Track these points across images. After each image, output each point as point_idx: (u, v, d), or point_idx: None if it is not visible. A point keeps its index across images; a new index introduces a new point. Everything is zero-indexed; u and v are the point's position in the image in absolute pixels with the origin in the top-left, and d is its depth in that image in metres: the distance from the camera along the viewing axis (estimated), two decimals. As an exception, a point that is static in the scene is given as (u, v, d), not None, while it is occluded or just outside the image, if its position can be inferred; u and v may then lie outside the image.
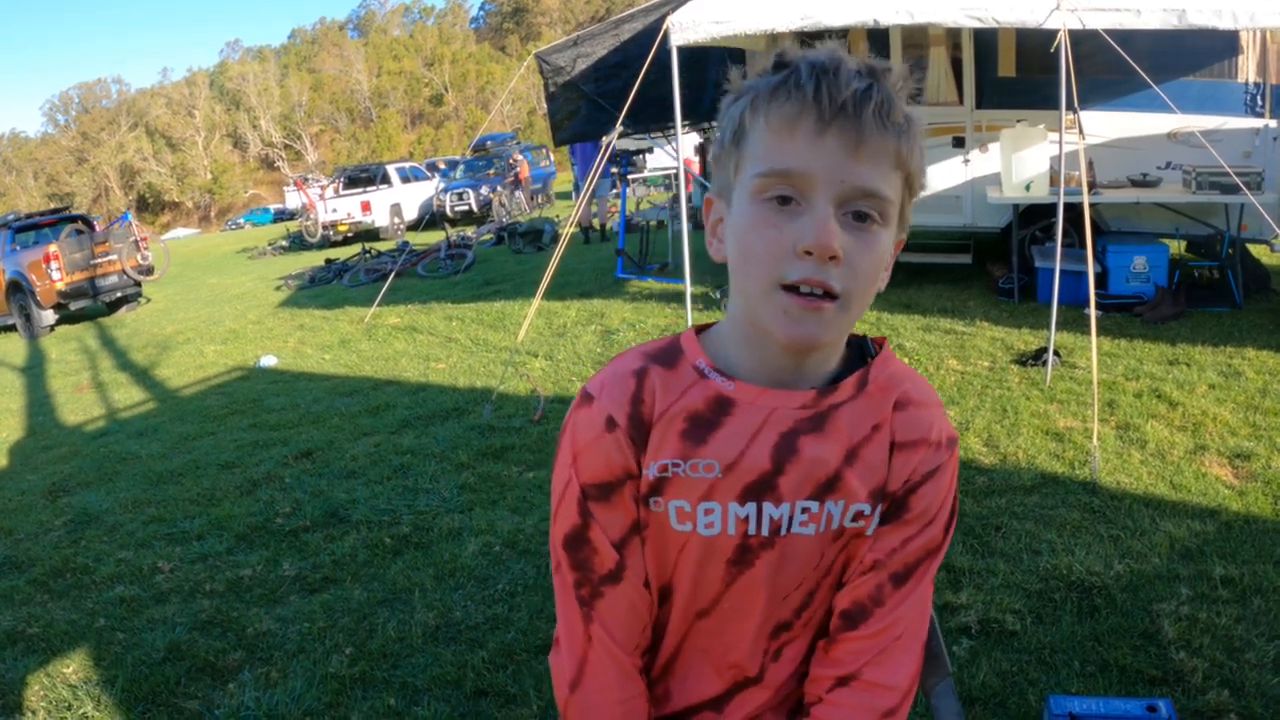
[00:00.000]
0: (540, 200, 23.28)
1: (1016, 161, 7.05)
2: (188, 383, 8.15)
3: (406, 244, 13.44)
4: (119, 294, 13.84)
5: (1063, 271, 5.39)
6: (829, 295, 0.95)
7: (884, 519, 1.09)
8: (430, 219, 20.54)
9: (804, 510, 1.06)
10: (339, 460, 5.22)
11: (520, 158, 23.99)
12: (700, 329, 1.13)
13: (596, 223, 14.45)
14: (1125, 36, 5.11)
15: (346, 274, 13.52)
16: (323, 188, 22.74)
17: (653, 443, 1.06)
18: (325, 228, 20.89)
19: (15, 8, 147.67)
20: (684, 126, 6.37)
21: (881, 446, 1.07)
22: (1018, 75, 7.62)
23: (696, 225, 11.10)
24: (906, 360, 5.80)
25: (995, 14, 5.18)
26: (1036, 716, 2.39)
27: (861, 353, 1.12)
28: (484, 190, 21.69)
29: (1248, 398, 4.80)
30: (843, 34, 7.38)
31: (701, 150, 10.56)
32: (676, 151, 7.49)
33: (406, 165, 24.87)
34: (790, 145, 0.93)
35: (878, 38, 7.82)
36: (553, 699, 2.58)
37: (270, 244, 23.35)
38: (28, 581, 4.08)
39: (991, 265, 8.08)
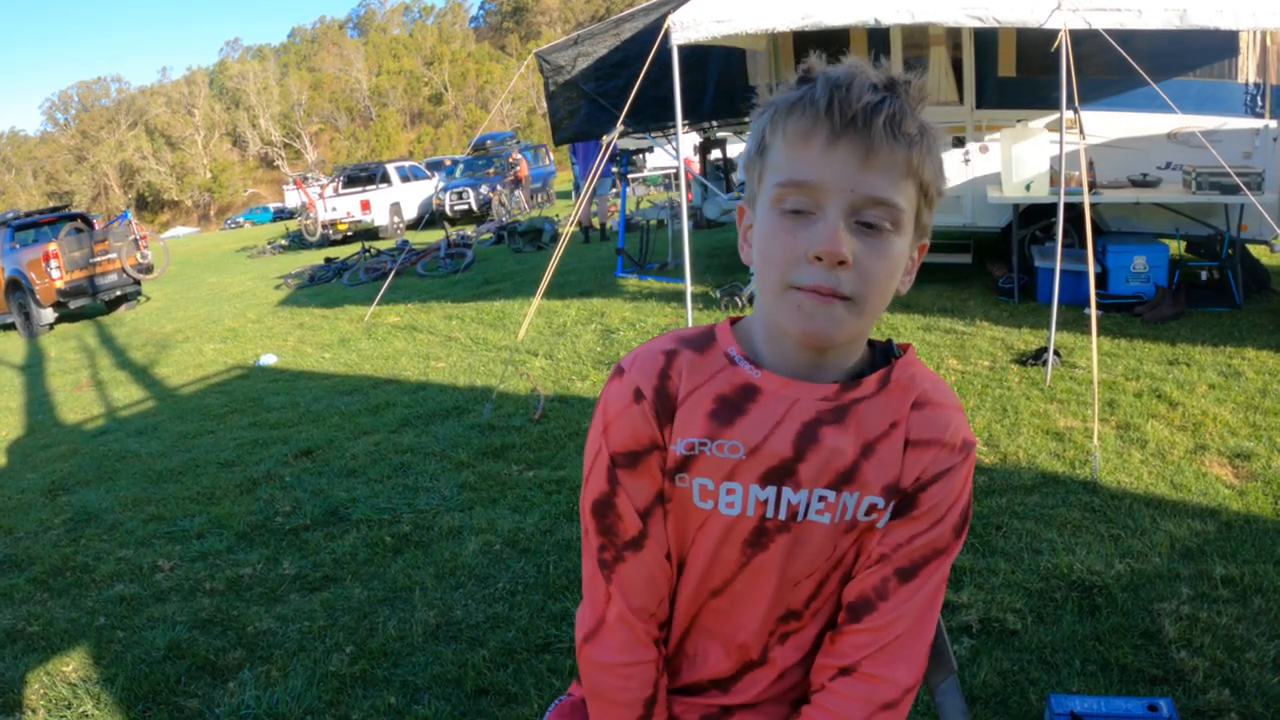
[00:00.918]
0: (540, 199, 23.27)
1: (1016, 161, 7.05)
2: (187, 381, 8.15)
3: (406, 243, 13.44)
4: (118, 292, 13.83)
5: (1063, 271, 5.39)
6: (838, 296, 1.01)
7: (894, 514, 1.12)
8: (430, 218, 20.55)
9: (821, 499, 1.10)
10: (339, 459, 5.21)
11: (520, 156, 23.98)
12: (735, 320, 1.19)
13: (596, 222, 14.45)
14: (1125, 36, 5.11)
15: (346, 273, 13.52)
16: (322, 187, 22.73)
17: (680, 420, 1.11)
18: (325, 227, 20.89)
19: (15, 6, 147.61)
20: (684, 126, 6.36)
21: (897, 443, 1.11)
22: (1018, 75, 7.62)
23: (696, 225, 11.12)
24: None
25: (996, 14, 5.18)
26: (1038, 715, 2.39)
27: (886, 355, 1.16)
28: (484, 189, 21.69)
29: (1248, 398, 4.80)
30: (843, 33, 7.40)
31: (702, 150, 10.55)
32: (676, 151, 7.49)
33: (406, 164, 24.86)
34: (804, 157, 1.00)
35: (878, 37, 7.82)
36: (553, 697, 2.60)
37: (270, 243, 23.35)
38: (27, 580, 4.08)
39: (991, 265, 8.08)
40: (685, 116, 6.69)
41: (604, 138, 7.42)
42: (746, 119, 10.14)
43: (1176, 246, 7.51)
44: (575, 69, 8.57)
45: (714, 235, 12.08)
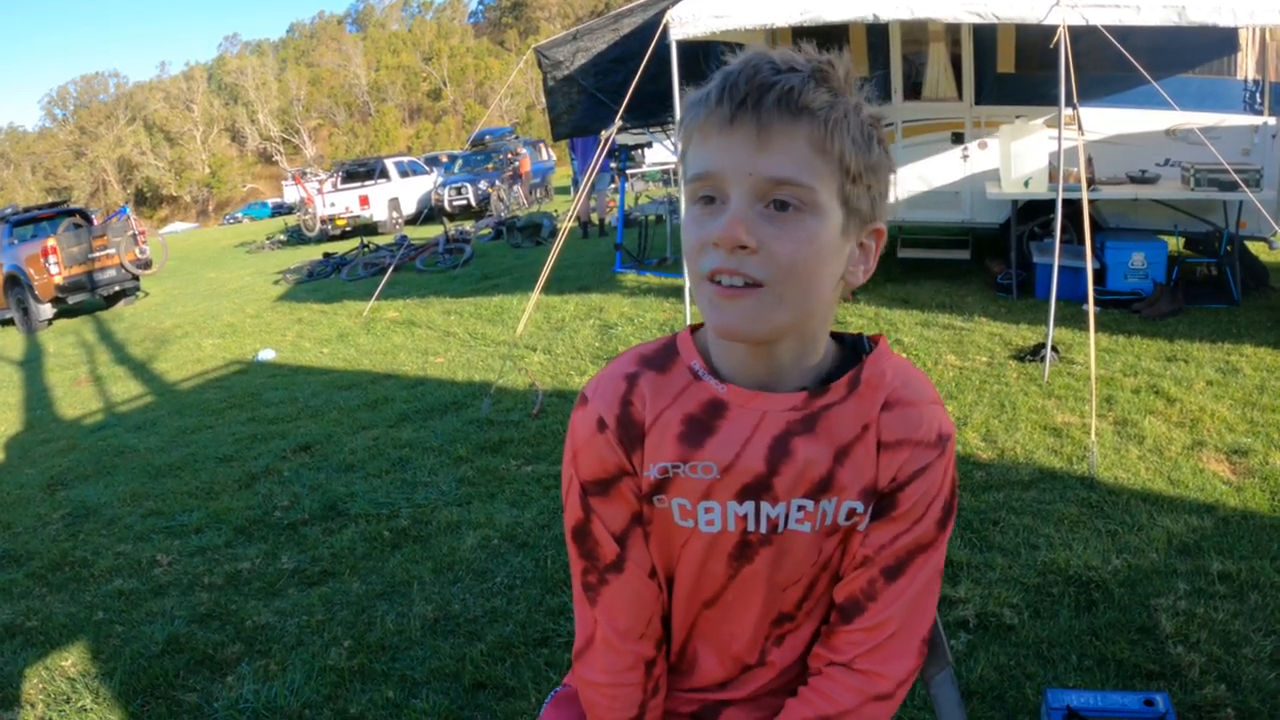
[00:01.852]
0: (539, 195, 23.26)
1: (1015, 157, 7.05)
2: (186, 376, 8.15)
3: (405, 238, 13.42)
4: (117, 288, 13.82)
5: (1061, 267, 5.39)
6: (751, 284, 0.98)
7: (874, 515, 1.12)
8: (429, 213, 20.55)
9: (800, 508, 1.10)
10: (337, 454, 5.21)
11: (522, 151, 23.97)
12: (696, 327, 1.17)
13: (595, 217, 14.44)
14: (1124, 33, 5.11)
15: (345, 268, 13.51)
16: (320, 182, 22.71)
17: (650, 444, 1.10)
18: (323, 222, 20.88)
19: (14, 1, 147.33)
20: (676, 121, 6.35)
21: (870, 445, 1.10)
22: (1017, 71, 7.61)
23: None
24: (905, 355, 5.81)
25: (995, 10, 5.17)
26: (1034, 710, 2.40)
27: (856, 351, 1.14)
28: (482, 185, 21.67)
29: (1245, 394, 4.80)
30: (842, 29, 7.39)
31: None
32: (675, 146, 7.48)
33: (405, 160, 24.84)
34: (704, 148, 0.99)
35: (877, 33, 7.82)
36: (550, 692, 2.60)
37: (268, 238, 23.33)
38: (26, 575, 4.08)
39: (990, 261, 8.08)
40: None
41: (603, 133, 7.42)
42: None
43: (1175, 243, 7.51)
44: (574, 64, 8.55)
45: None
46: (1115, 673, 2.57)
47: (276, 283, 13.98)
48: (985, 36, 7.49)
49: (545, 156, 26.97)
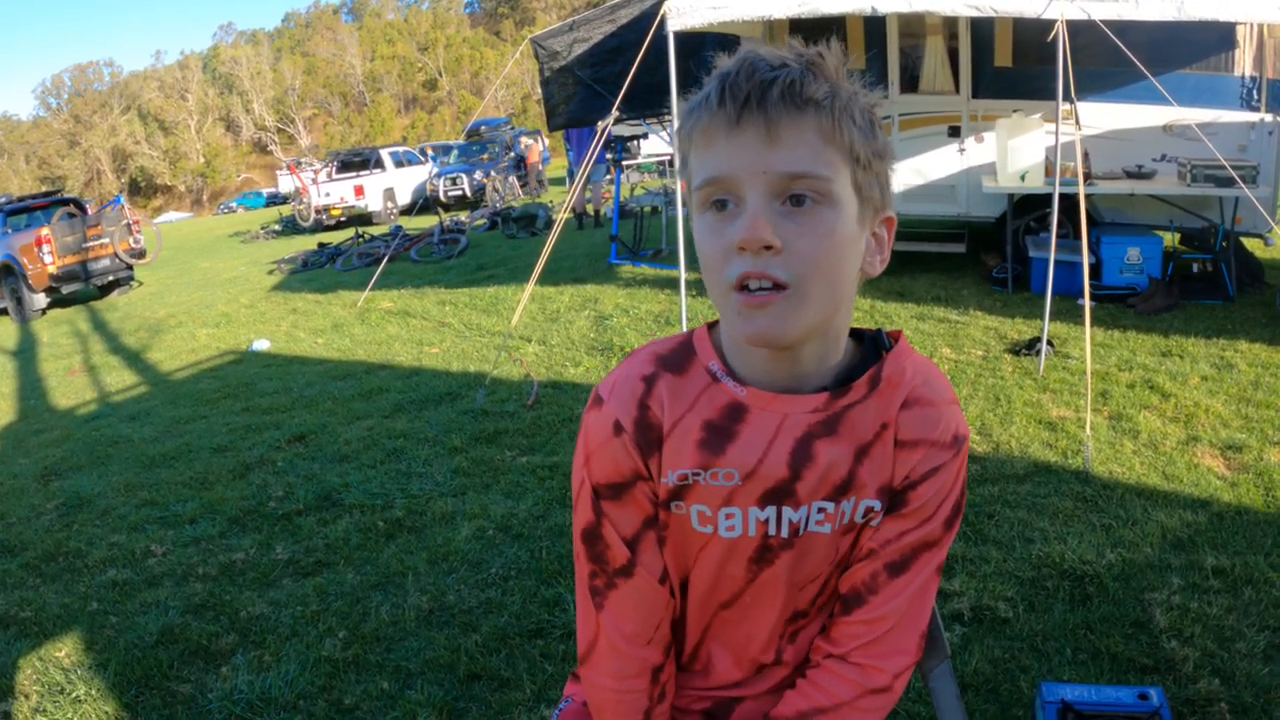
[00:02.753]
0: (533, 185, 23.24)
1: (1012, 151, 7.05)
2: (180, 366, 8.13)
3: (400, 228, 13.38)
4: (111, 277, 13.78)
5: (1057, 262, 5.40)
6: (777, 286, 0.96)
7: (886, 511, 1.11)
8: (424, 204, 20.53)
9: (820, 510, 1.09)
10: (332, 444, 5.20)
11: (529, 141, 23.93)
12: (712, 325, 1.14)
13: (591, 209, 14.42)
14: (1122, 28, 5.10)
15: (339, 258, 13.48)
16: (315, 172, 22.65)
17: (669, 451, 1.08)
18: (318, 212, 20.81)
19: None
20: (673, 112, 6.34)
21: (888, 444, 1.09)
22: (1014, 65, 7.61)
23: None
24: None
25: (994, 3, 5.16)
26: (1028, 703, 2.40)
27: (876, 347, 1.12)
28: (478, 175, 21.64)
29: (1240, 390, 4.81)
30: (839, 21, 7.38)
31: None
32: (671, 137, 7.46)
33: (400, 150, 24.77)
34: (711, 153, 0.97)
35: (874, 25, 7.81)
36: (546, 682, 2.60)
37: (263, 228, 23.27)
38: (20, 565, 4.07)
39: (985, 255, 8.09)
40: (680, 104, 6.67)
41: (599, 124, 7.40)
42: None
43: (1170, 238, 7.52)
44: (571, 55, 8.53)
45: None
46: (1109, 666, 2.57)
47: (271, 273, 13.94)
48: (983, 30, 7.48)
49: (540, 147, 26.94)
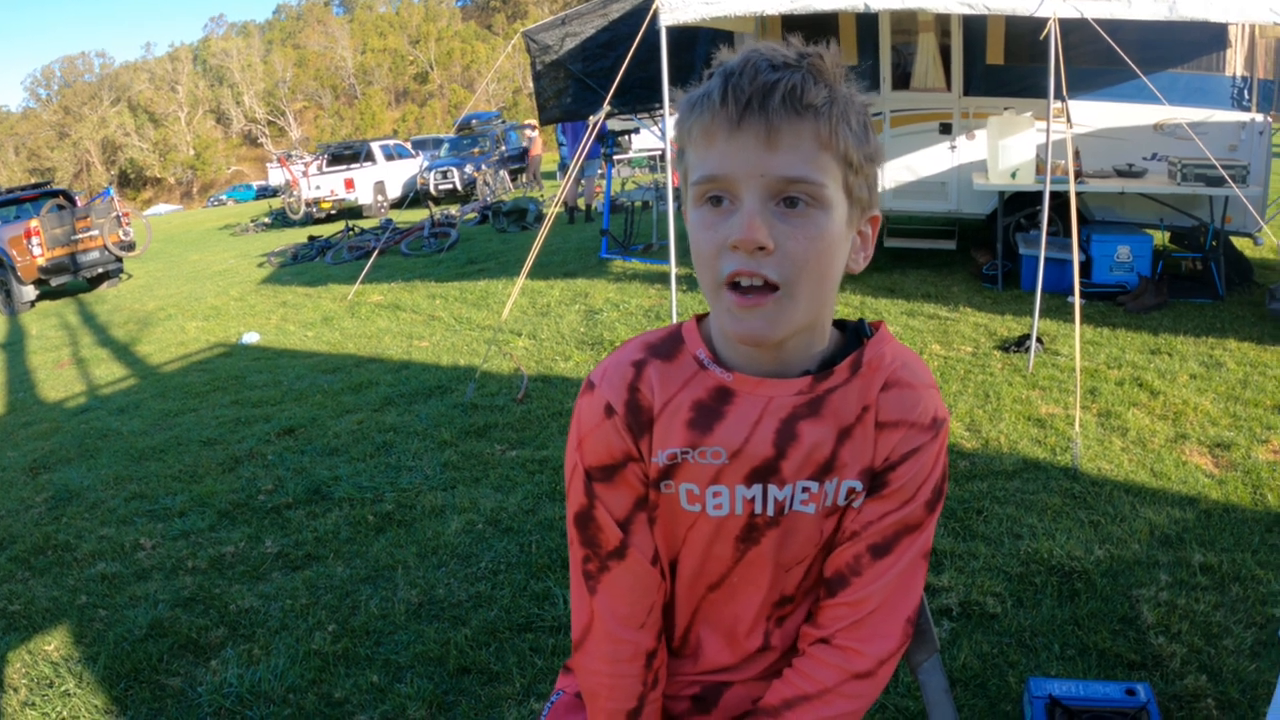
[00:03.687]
0: (525, 179, 23.22)
1: (1003, 149, 7.06)
2: (169, 359, 8.10)
3: (390, 222, 13.35)
4: (100, 270, 13.70)
5: (1047, 259, 5.42)
6: (769, 286, 0.99)
7: (868, 493, 1.13)
8: (414, 197, 20.47)
9: (804, 490, 1.12)
10: (321, 437, 5.20)
11: (532, 134, 23.90)
12: (701, 317, 1.17)
13: (582, 203, 14.41)
14: (1114, 27, 5.12)
15: (329, 251, 13.45)
16: (305, 164, 22.58)
17: (659, 431, 1.11)
18: (308, 205, 20.77)
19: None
20: (671, 108, 6.35)
21: (869, 426, 1.11)
22: (1006, 63, 7.62)
23: (681, 206, 11.11)
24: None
25: (988, 3, 5.17)
26: (1016, 698, 2.41)
27: (857, 335, 1.15)
28: (468, 169, 21.61)
29: (1228, 388, 4.84)
30: (832, 18, 7.38)
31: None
32: (663, 132, 7.47)
33: (391, 143, 24.71)
34: (711, 151, 0.99)
35: (866, 22, 7.82)
36: (536, 675, 2.61)
37: (253, 220, 23.18)
38: (8, 559, 4.06)
39: (976, 251, 8.11)
40: (672, 98, 6.67)
41: (591, 118, 7.40)
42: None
43: (1160, 237, 7.56)
44: (563, 49, 8.54)
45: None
46: (1097, 662, 2.59)
47: (261, 265, 13.91)
48: (975, 28, 7.50)
49: (541, 140, 26.92)
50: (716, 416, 1.11)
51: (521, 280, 6.27)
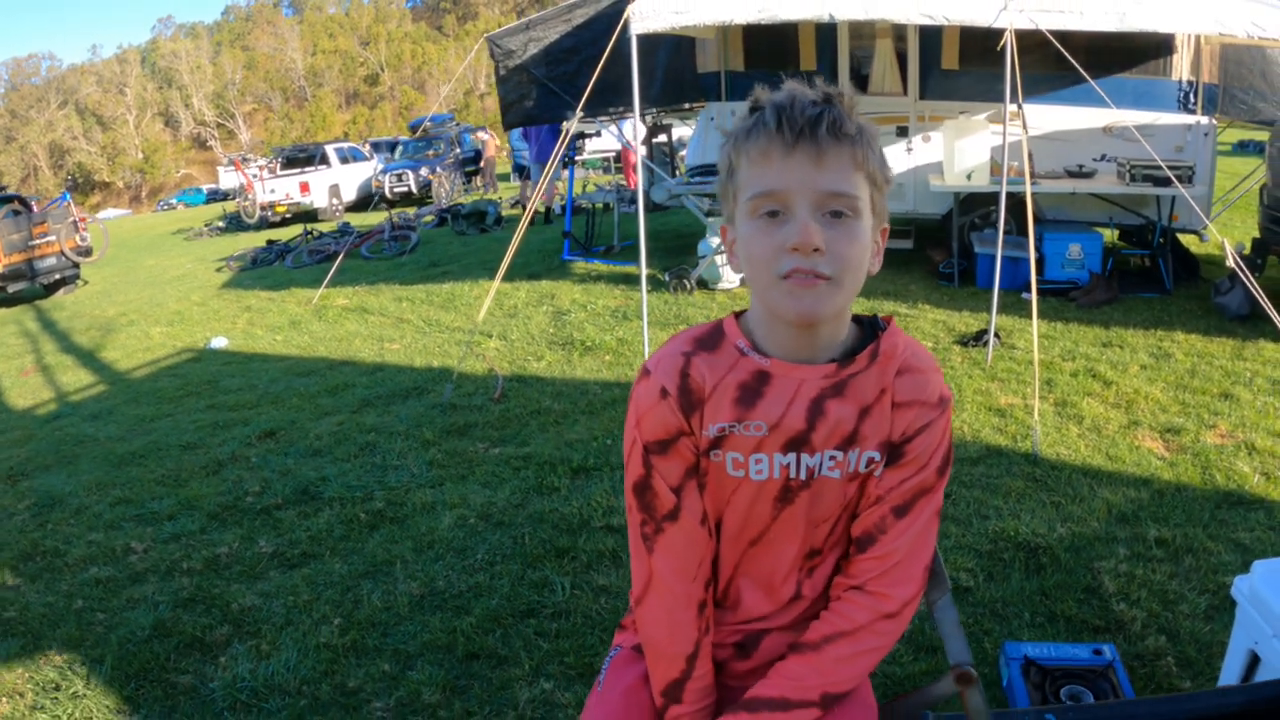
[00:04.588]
0: (481, 182, 23.25)
1: (958, 151, 7.30)
2: (137, 365, 8.09)
3: (348, 225, 13.34)
4: (57, 276, 13.54)
5: (1002, 257, 5.64)
6: (820, 277, 1.20)
7: (887, 463, 1.34)
8: (369, 200, 20.41)
9: (831, 458, 1.31)
10: (303, 439, 5.27)
11: (484, 136, 23.95)
12: (739, 314, 1.38)
13: (541, 206, 14.52)
14: (1066, 34, 5.35)
15: (289, 255, 13.41)
16: (260, 168, 22.41)
17: (709, 408, 1.30)
18: (263, 208, 20.63)
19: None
20: (634, 112, 6.48)
21: (886, 405, 1.32)
22: (961, 68, 7.87)
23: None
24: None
25: (947, 12, 5.39)
26: (993, 661, 2.60)
27: (873, 329, 1.35)
28: (423, 171, 21.60)
29: (1177, 377, 5.10)
30: (791, 25, 7.57)
31: (649, 135, 10.67)
32: (635, 136, 7.61)
33: (345, 146, 24.60)
34: (768, 170, 1.20)
35: (825, 28, 8.02)
36: (543, 658, 2.75)
37: (207, 225, 22.95)
38: None
39: (932, 250, 8.35)
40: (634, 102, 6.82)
41: (564, 124, 7.52)
42: (691, 106, 10.31)
43: (1110, 235, 7.84)
44: (526, 54, 8.62)
45: (659, 218, 12.27)
46: (1064, 628, 2.80)
47: (219, 270, 13.83)
48: (930, 34, 7.72)
49: (495, 142, 26.96)
50: (758, 396, 1.30)
51: (497, 282, 6.37)
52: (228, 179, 38.85)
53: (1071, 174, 7.39)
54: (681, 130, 15.33)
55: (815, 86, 1.22)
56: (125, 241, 23.09)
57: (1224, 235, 7.29)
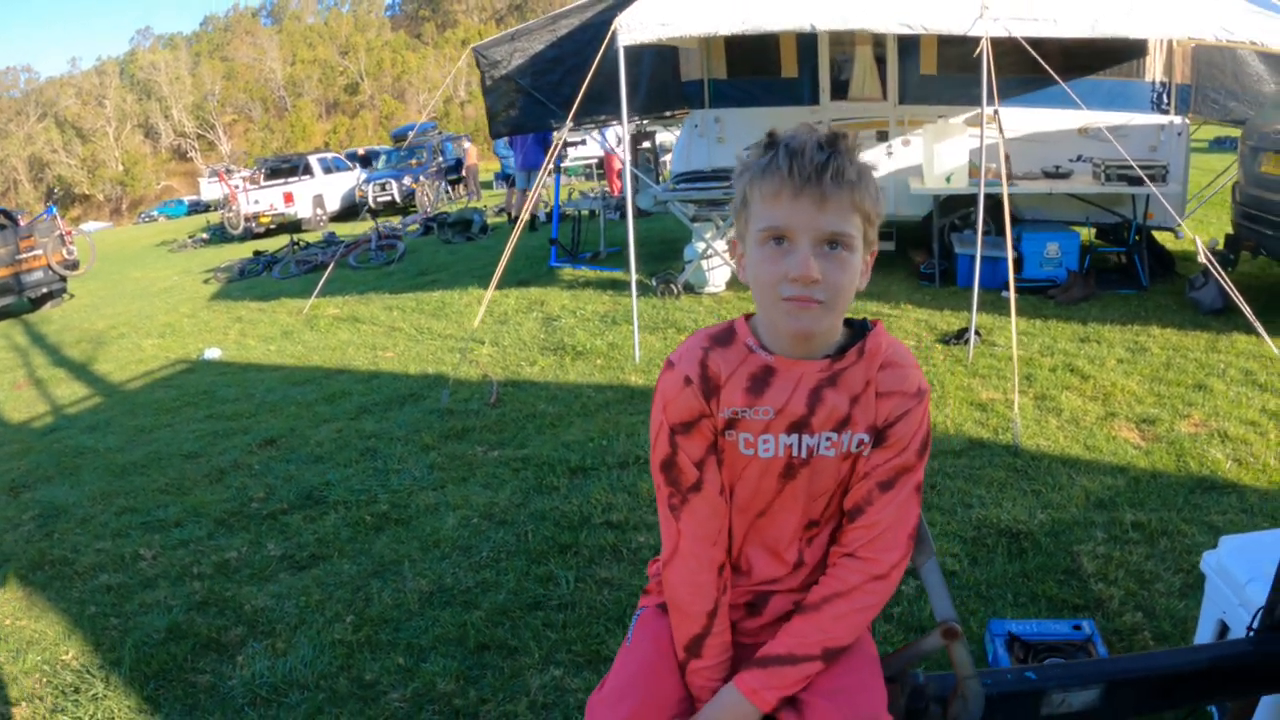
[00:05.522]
0: (466, 190, 23.36)
1: (937, 154, 7.47)
2: (131, 377, 8.15)
3: (333, 235, 13.39)
4: (44, 289, 13.54)
5: (981, 257, 5.81)
6: (814, 301, 1.40)
7: (874, 445, 1.53)
8: (352, 209, 20.48)
9: (828, 439, 1.51)
10: (304, 446, 5.37)
11: (466, 144, 24.07)
12: (748, 316, 1.58)
13: (527, 214, 14.62)
14: (1041, 39, 5.52)
15: (276, 266, 13.47)
16: (245, 179, 22.45)
17: (724, 395, 1.50)
18: (247, 219, 20.68)
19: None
20: (616, 119, 6.62)
21: (871, 395, 1.52)
22: (939, 73, 8.04)
23: (621, 215, 11.38)
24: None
25: (924, 22, 5.57)
26: (979, 639, 2.75)
27: (862, 330, 1.56)
28: (406, 180, 21.69)
29: (1153, 370, 5.27)
30: (773, 34, 7.73)
31: (633, 142, 10.82)
32: (622, 146, 7.75)
33: (329, 156, 24.67)
34: (777, 209, 1.39)
35: (807, 36, 8.17)
36: (552, 647, 2.88)
37: (191, 236, 22.96)
38: (5, 576, 4.12)
39: (913, 252, 8.52)
40: (618, 111, 6.95)
41: (555, 134, 7.66)
42: (675, 114, 10.46)
43: (1087, 233, 8.02)
44: (511, 64, 8.76)
45: (645, 224, 12.41)
46: (1046, 607, 2.96)
47: (207, 281, 13.88)
48: (909, 41, 7.90)
49: (476, 150, 27.08)
50: (766, 385, 1.50)
51: (491, 290, 6.50)
52: (209, 190, 38.83)
53: (1048, 175, 7.57)
54: (665, 136, 15.51)
55: (824, 126, 1.42)
56: (109, 254, 23.04)
57: (1200, 231, 7.50)
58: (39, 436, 6.65)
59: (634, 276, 6.62)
